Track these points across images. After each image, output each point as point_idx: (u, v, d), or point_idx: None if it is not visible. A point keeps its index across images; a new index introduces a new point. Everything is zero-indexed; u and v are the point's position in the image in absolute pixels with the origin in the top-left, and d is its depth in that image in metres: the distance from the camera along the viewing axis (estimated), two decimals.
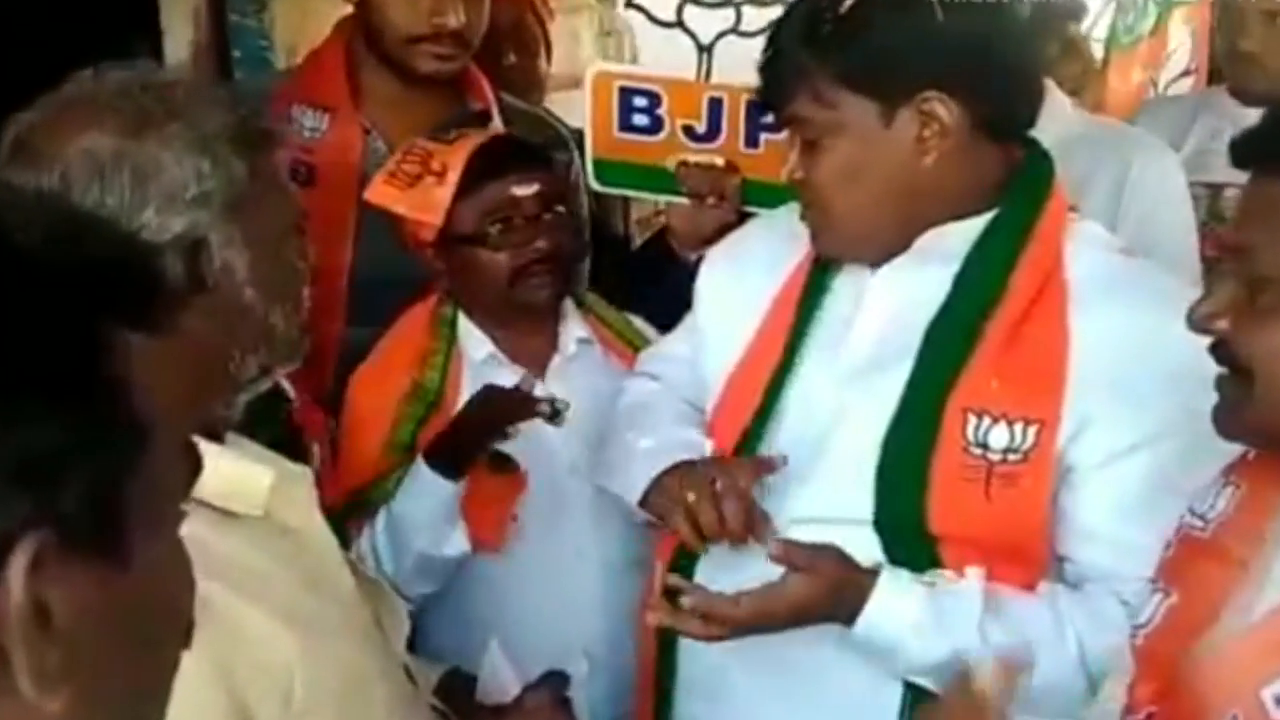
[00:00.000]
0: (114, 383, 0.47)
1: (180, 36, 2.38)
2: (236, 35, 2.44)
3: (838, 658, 1.22)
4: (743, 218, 1.62)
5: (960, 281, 1.21)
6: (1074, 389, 1.16)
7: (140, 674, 0.51)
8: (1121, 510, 1.17)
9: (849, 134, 1.16)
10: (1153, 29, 2.88)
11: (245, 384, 0.95)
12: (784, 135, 1.56)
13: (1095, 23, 2.78)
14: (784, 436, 1.27)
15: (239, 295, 0.91)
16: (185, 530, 0.86)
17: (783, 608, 1.15)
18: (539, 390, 1.47)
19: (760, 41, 1.59)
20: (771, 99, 1.20)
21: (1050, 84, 1.65)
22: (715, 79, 1.67)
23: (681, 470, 1.26)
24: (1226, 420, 0.92)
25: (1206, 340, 0.91)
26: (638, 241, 2.13)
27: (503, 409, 1.44)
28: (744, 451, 1.29)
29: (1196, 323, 0.92)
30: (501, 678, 1.17)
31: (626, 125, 1.71)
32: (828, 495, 1.23)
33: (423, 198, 1.49)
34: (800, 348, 1.28)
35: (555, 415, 1.42)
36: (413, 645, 1.53)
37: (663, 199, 1.75)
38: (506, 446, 1.48)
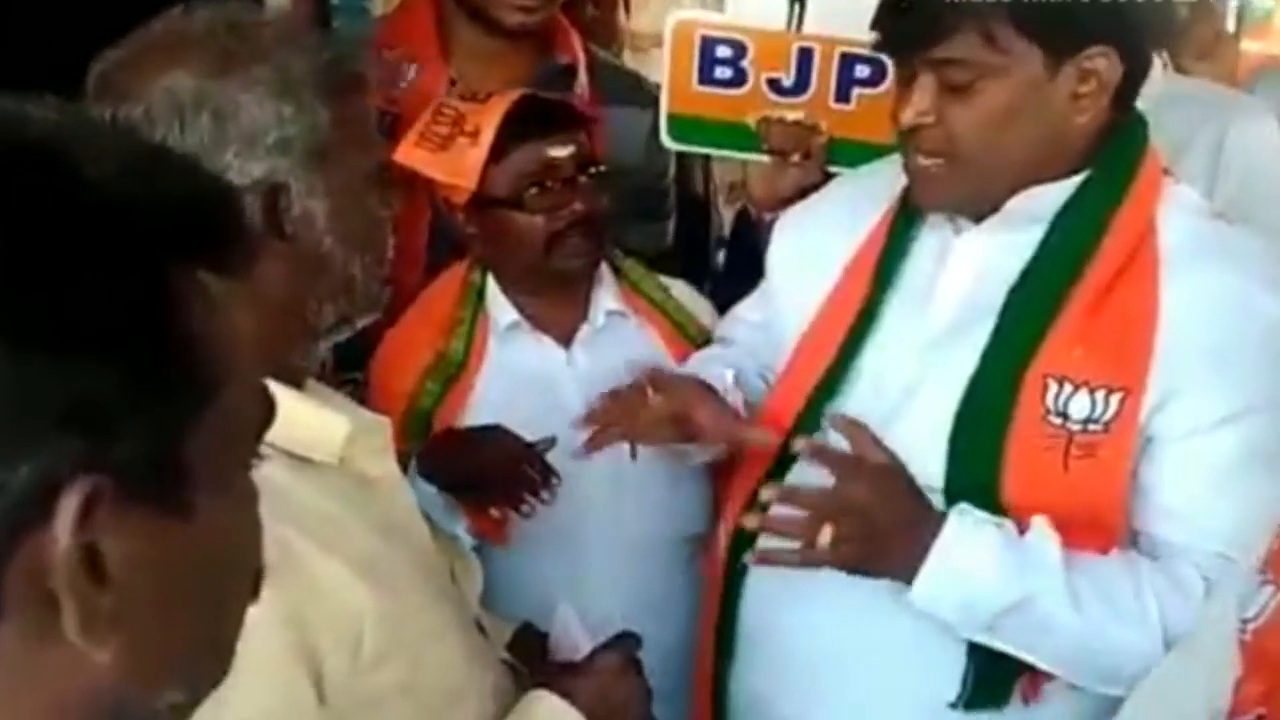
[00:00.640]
0: (182, 329, 0.46)
1: None
2: None
3: (898, 624, 1.19)
4: (828, 179, 1.56)
5: (1047, 245, 1.18)
6: (1161, 358, 1.12)
7: (201, 627, 0.50)
8: (1204, 485, 1.14)
9: (1009, 81, 1.10)
10: None
11: (324, 332, 0.95)
12: (885, 87, 1.53)
13: None
14: (855, 400, 1.24)
15: (318, 244, 0.90)
16: (261, 475, 0.87)
17: (862, 492, 1.13)
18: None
19: None
20: (920, 35, 1.12)
21: None
22: (808, 30, 1.60)
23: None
24: None
25: None
26: (721, 207, 2.09)
27: (503, 468, 1.38)
28: (809, 414, 1.26)
29: None
30: (573, 636, 1.16)
31: (707, 78, 1.65)
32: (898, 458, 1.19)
33: (455, 160, 1.45)
34: (879, 310, 1.25)
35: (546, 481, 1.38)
36: None
37: (741, 157, 1.70)
38: (527, 421, 1.43)
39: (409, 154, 1.46)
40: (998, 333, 1.17)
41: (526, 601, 1.35)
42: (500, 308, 1.53)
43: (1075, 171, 1.17)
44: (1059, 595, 1.13)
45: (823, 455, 1.15)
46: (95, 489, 0.42)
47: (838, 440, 1.20)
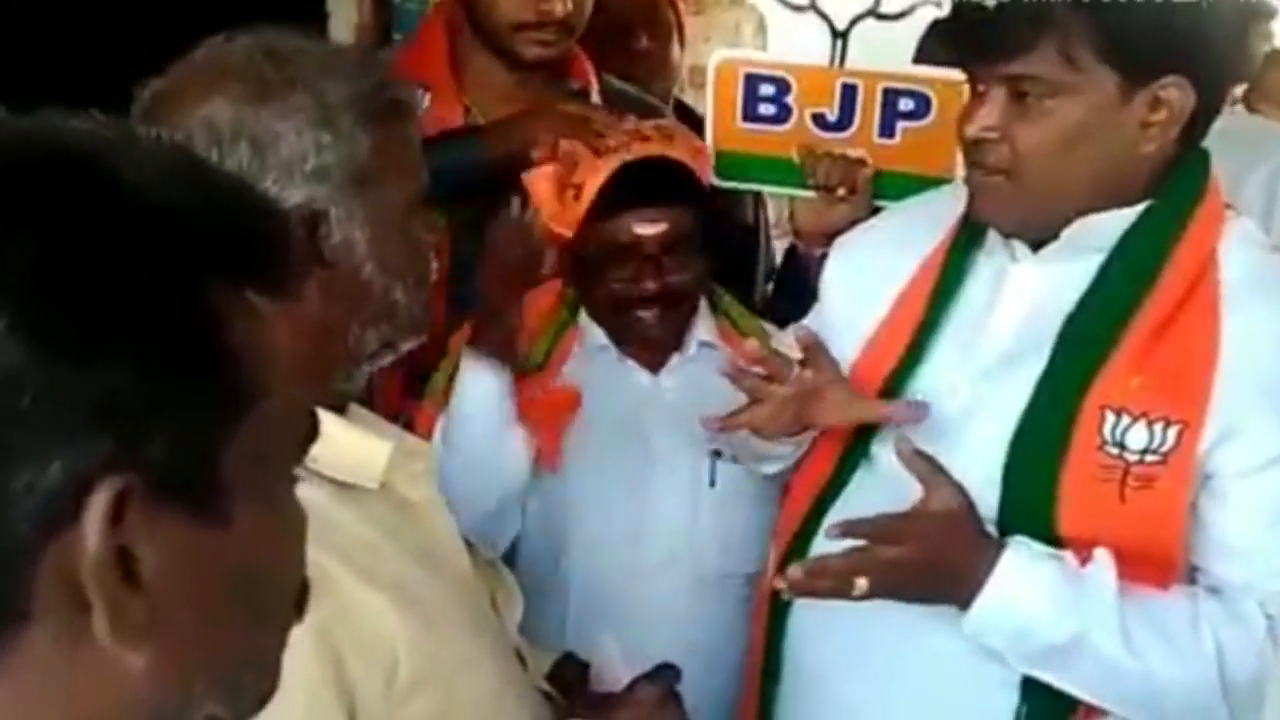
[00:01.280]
0: (220, 339, 0.46)
1: (344, 18, 2.44)
2: (398, 17, 2.48)
3: (949, 657, 1.17)
4: (874, 213, 1.56)
5: (1106, 274, 1.16)
6: (1221, 392, 1.10)
7: (240, 640, 0.49)
8: (1264, 523, 1.11)
9: (1082, 101, 1.09)
10: None
11: (366, 357, 0.95)
12: (929, 120, 1.54)
13: None
14: (908, 429, 1.22)
15: (358, 270, 0.90)
16: (304, 498, 0.87)
17: (914, 530, 1.11)
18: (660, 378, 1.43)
19: (902, 26, 1.57)
20: (998, 48, 1.10)
21: None
22: (850, 65, 1.61)
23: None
24: None
25: None
26: (774, 238, 2.09)
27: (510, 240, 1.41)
28: (860, 443, 1.25)
29: None
30: (614, 667, 1.14)
31: (752, 115, 1.66)
32: None
33: (561, 210, 1.48)
34: (932, 337, 1.24)
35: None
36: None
37: (787, 193, 1.70)
38: (606, 443, 1.45)
39: (537, 187, 1.50)
40: (1054, 362, 1.15)
41: (589, 628, 1.38)
42: (593, 329, 1.56)
43: (1135, 201, 1.15)
44: (1112, 632, 1.10)
45: (913, 463, 1.14)
46: (125, 488, 0.43)
47: (890, 465, 1.18)
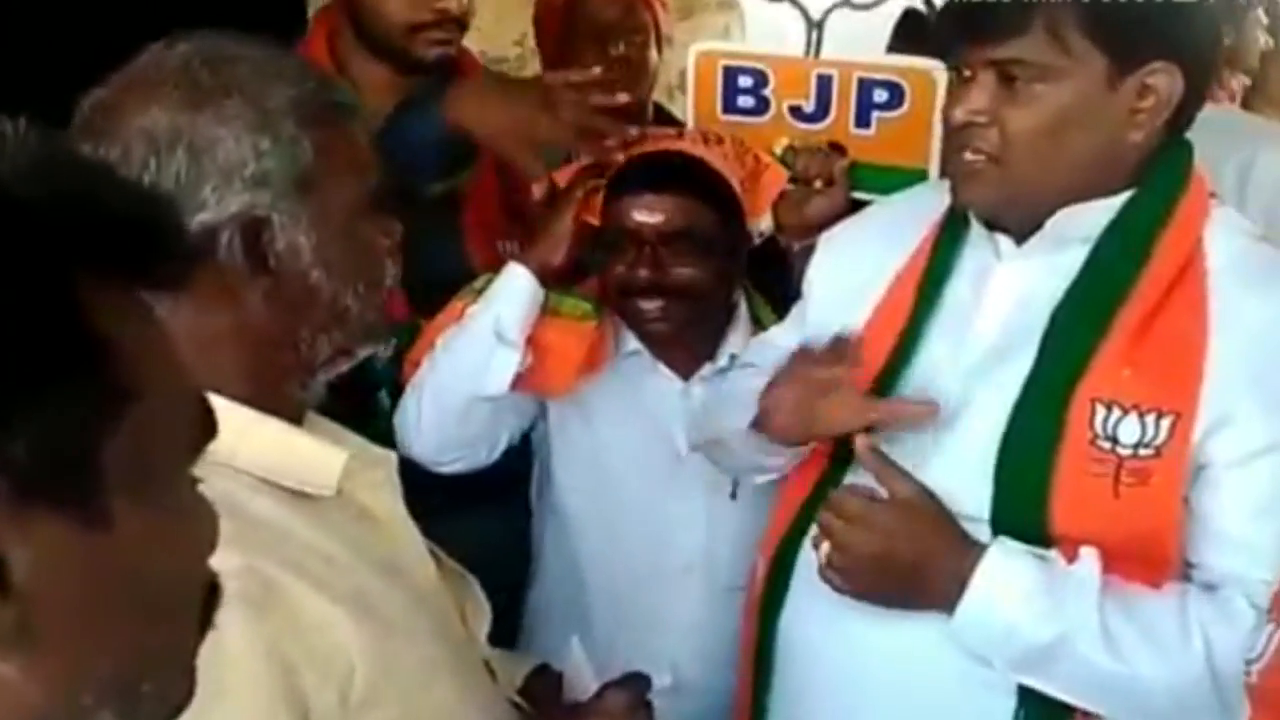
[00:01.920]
0: (90, 331, 0.44)
1: None
2: None
3: (944, 661, 1.15)
4: (852, 204, 1.54)
5: (1092, 265, 1.14)
6: (1213, 381, 1.09)
7: (132, 647, 0.47)
8: (1258, 512, 1.10)
9: (1070, 85, 1.08)
10: None
11: (320, 365, 0.93)
12: (903, 111, 1.52)
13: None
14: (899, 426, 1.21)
15: (305, 276, 0.88)
16: (251, 509, 0.86)
17: (871, 520, 1.13)
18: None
19: (876, 15, 1.55)
20: (988, 32, 1.10)
21: None
22: (825, 56, 1.59)
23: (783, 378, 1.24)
24: None
25: None
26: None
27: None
28: (850, 443, 1.23)
29: None
30: (582, 675, 1.13)
31: (731, 107, 1.64)
32: (942, 490, 1.16)
33: (594, 202, 1.50)
34: (920, 334, 1.22)
35: None
36: (513, 640, 1.52)
37: None
38: (632, 446, 1.46)
39: (565, 176, 1.53)
40: (1042, 355, 1.14)
41: (601, 625, 1.45)
42: (626, 334, 1.57)
43: (1119, 191, 1.14)
44: (1094, 634, 1.09)
45: (868, 459, 1.16)
46: None
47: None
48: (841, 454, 1.25)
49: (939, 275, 1.23)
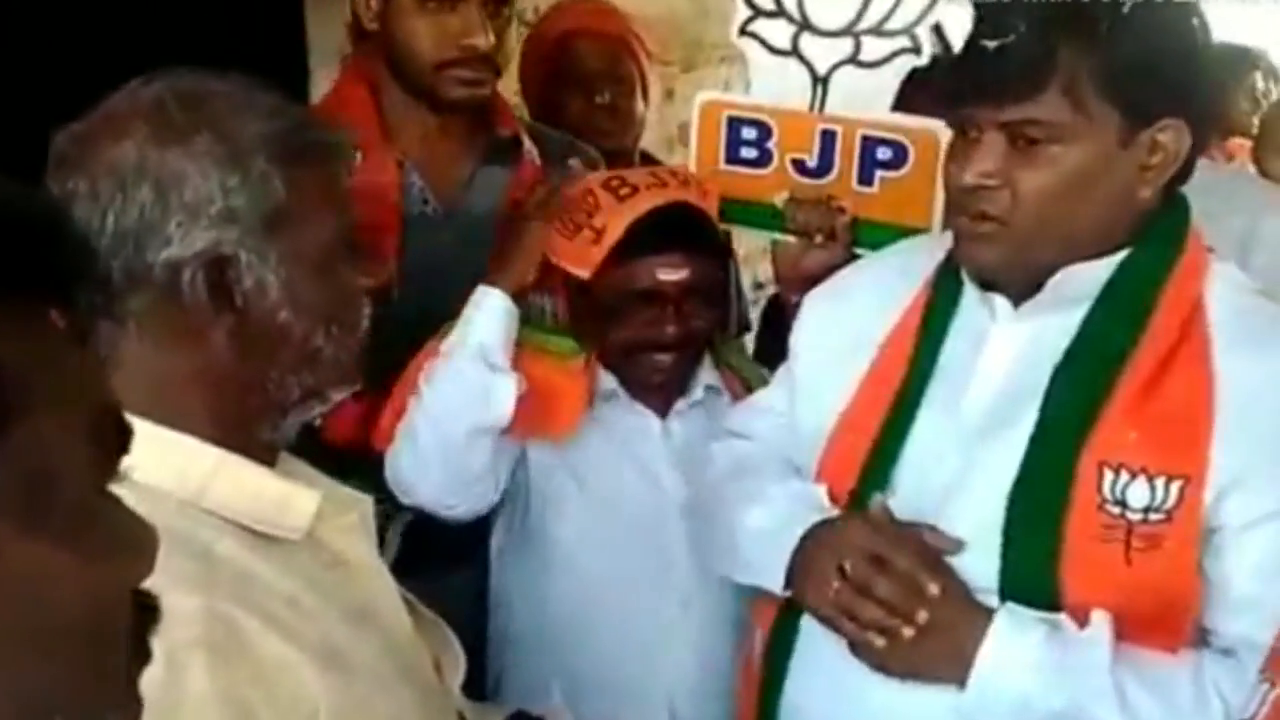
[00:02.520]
0: None
1: (326, 77, 2.44)
2: None
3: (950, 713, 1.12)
4: (853, 260, 1.53)
5: (1091, 324, 1.12)
6: (1221, 442, 1.06)
7: (36, 681, 0.46)
8: (1272, 574, 1.07)
9: (1085, 145, 1.06)
10: None
11: (291, 406, 0.91)
12: (906, 170, 1.51)
13: None
14: (900, 495, 1.19)
15: (273, 315, 0.87)
16: (216, 553, 0.84)
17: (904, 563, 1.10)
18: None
19: (882, 74, 1.54)
20: (1004, 91, 1.07)
21: None
22: (829, 112, 1.59)
23: (824, 543, 1.17)
24: None
25: None
26: (744, 278, 2.07)
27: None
28: (858, 504, 1.20)
29: None
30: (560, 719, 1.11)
31: (733, 158, 1.64)
32: (950, 561, 1.13)
33: (578, 251, 1.48)
34: (917, 398, 1.19)
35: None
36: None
37: (767, 236, 1.67)
38: (620, 487, 1.45)
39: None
40: (1044, 418, 1.11)
41: (597, 664, 1.45)
42: (601, 373, 1.55)
43: (1115, 250, 1.12)
44: (1109, 699, 1.06)
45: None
46: None
47: None
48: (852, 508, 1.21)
49: (935, 337, 1.20)
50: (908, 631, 1.11)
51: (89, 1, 2.03)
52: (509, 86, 1.93)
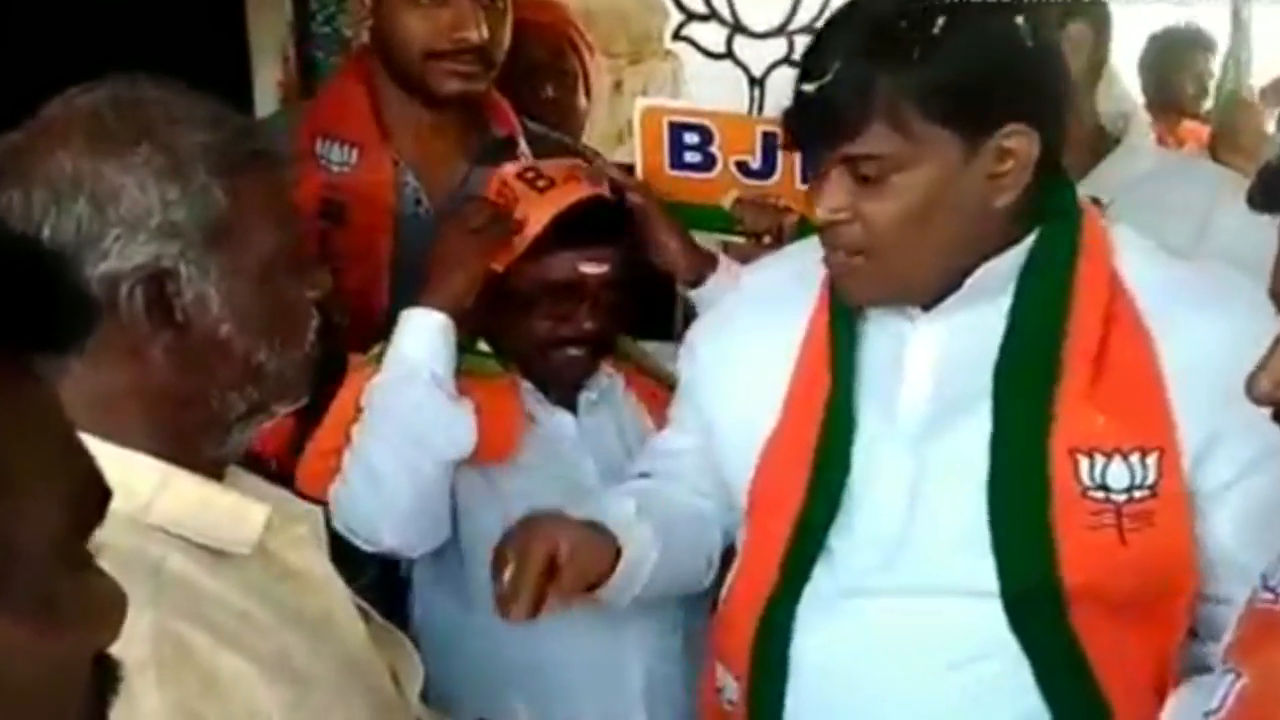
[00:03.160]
0: None
1: (268, 76, 2.43)
2: (323, 74, 2.47)
3: None
4: None
5: (1018, 315, 1.13)
6: (1183, 409, 1.07)
7: None
8: (1257, 529, 1.08)
9: (925, 169, 1.05)
10: None
11: (234, 422, 0.91)
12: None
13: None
14: (860, 506, 1.16)
15: (214, 330, 0.86)
16: (163, 568, 0.84)
17: None
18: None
19: None
20: (830, 132, 1.07)
21: (1136, 119, 1.58)
22: (768, 113, 1.61)
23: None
24: None
25: None
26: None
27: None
28: (806, 537, 1.17)
29: (1261, 391, 0.83)
30: None
31: (678, 163, 1.66)
32: (942, 568, 1.13)
33: (502, 237, 1.46)
34: (848, 409, 1.17)
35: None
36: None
37: (717, 238, 1.69)
38: (533, 474, 1.43)
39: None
40: (1001, 414, 1.11)
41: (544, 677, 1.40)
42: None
43: (1018, 239, 1.12)
44: None
45: None
46: None
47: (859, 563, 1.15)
48: (804, 537, 1.17)
49: (848, 343, 1.18)
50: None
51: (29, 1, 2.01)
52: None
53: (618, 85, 2.70)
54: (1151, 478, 1.07)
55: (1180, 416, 1.08)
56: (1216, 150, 2.57)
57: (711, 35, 1.60)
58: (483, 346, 1.52)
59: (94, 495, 0.49)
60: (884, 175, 1.06)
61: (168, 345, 0.84)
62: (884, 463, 1.15)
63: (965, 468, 1.11)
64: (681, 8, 1.61)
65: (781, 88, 1.57)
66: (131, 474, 0.84)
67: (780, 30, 1.57)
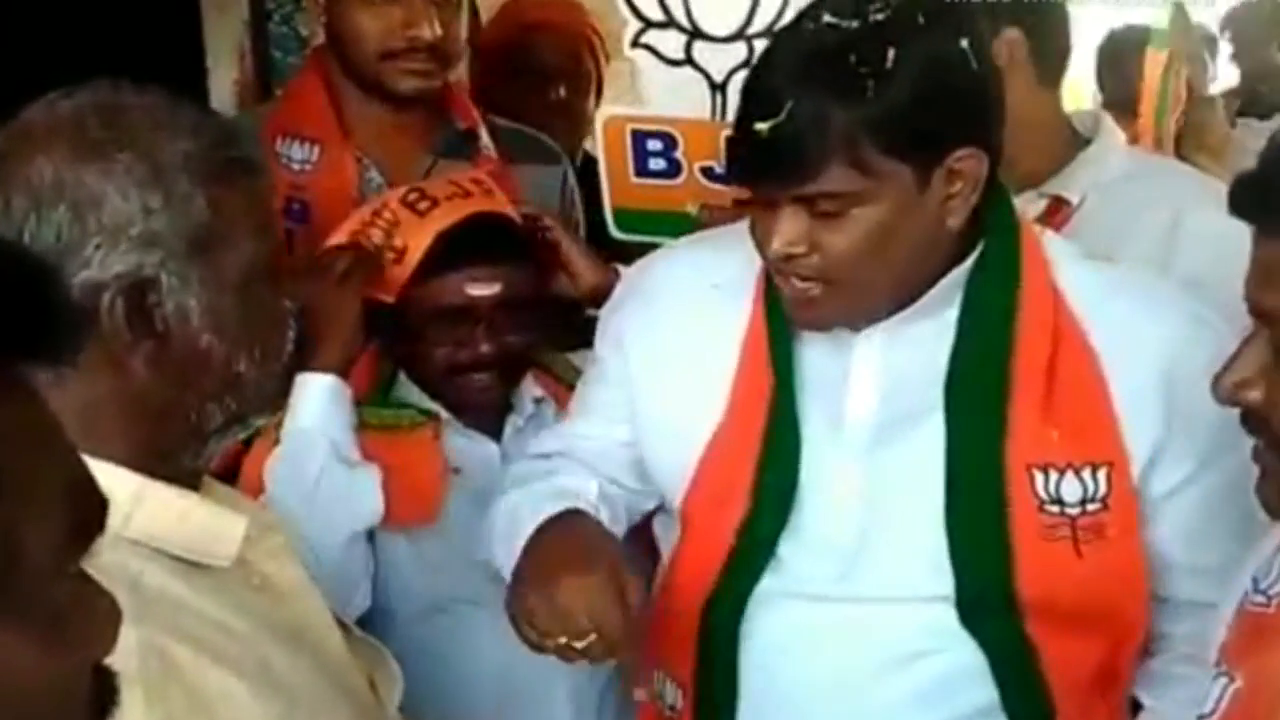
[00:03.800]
0: None
1: (224, 76, 2.41)
2: (281, 73, 2.46)
3: None
4: None
5: (968, 326, 1.13)
6: (1129, 421, 1.10)
7: None
8: (1204, 534, 1.12)
9: (883, 202, 1.04)
10: None
11: (212, 433, 0.90)
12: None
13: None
14: (808, 514, 1.16)
15: (195, 340, 0.85)
16: (144, 583, 0.83)
17: None
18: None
19: None
20: (789, 174, 1.04)
21: (1106, 119, 1.58)
22: (730, 118, 1.62)
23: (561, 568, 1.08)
24: (1272, 498, 0.86)
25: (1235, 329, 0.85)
26: None
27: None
28: (758, 537, 1.16)
29: (1225, 391, 0.86)
30: None
31: (643, 170, 1.67)
32: (900, 575, 1.14)
33: (375, 274, 1.40)
34: (790, 411, 1.15)
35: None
36: None
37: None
38: (455, 506, 1.38)
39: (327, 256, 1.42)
40: (955, 428, 1.12)
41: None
42: (423, 402, 1.47)
43: (966, 254, 1.13)
44: None
45: None
46: None
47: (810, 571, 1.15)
48: (749, 545, 1.15)
49: (786, 342, 1.16)
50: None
51: None
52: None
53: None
54: (1103, 490, 1.10)
55: (1127, 429, 1.10)
56: (1183, 149, 2.62)
57: (670, 42, 1.61)
58: (404, 388, 1.47)
59: (93, 505, 0.49)
60: (842, 210, 1.05)
61: (148, 356, 0.84)
62: (832, 472, 1.15)
63: (918, 480, 1.12)
64: (639, 15, 1.61)
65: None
66: (109, 486, 0.84)
67: (739, 34, 1.58)
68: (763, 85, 1.06)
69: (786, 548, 1.16)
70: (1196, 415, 1.07)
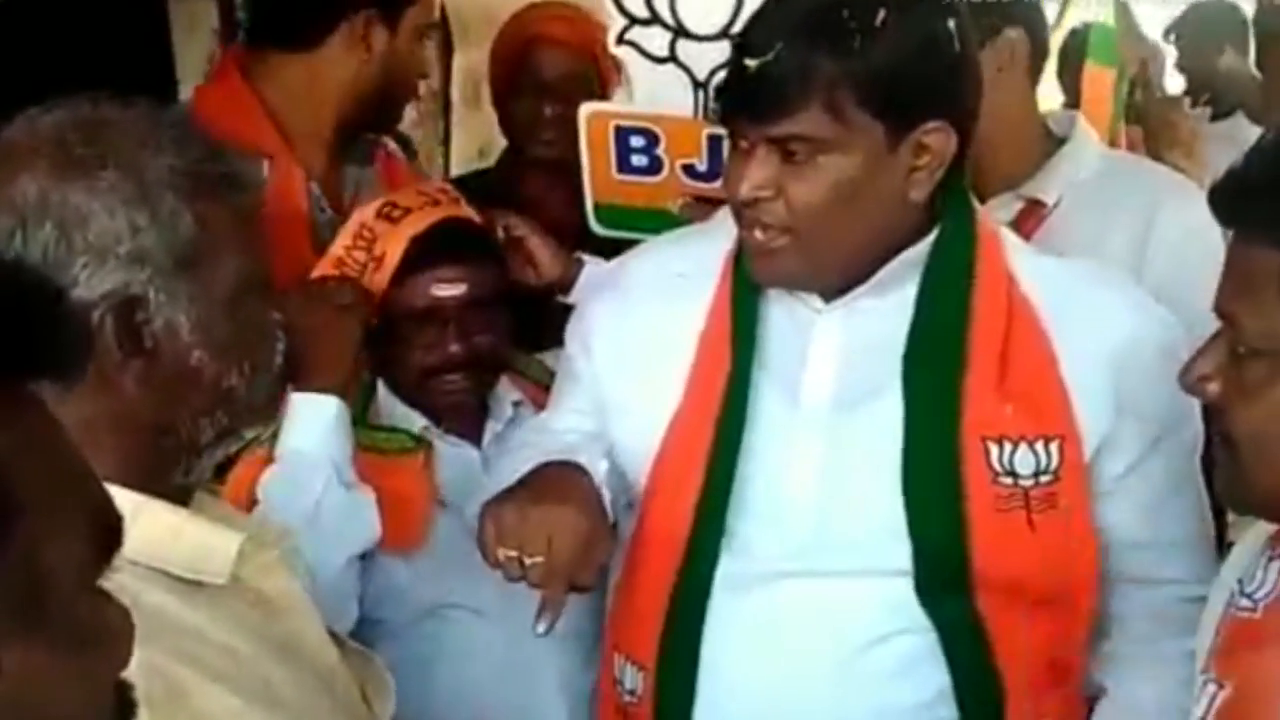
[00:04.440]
0: None
1: (192, 89, 2.38)
2: None
3: None
4: None
5: (925, 304, 1.16)
6: (1082, 405, 1.14)
7: None
8: (1156, 510, 1.17)
9: (852, 155, 1.08)
10: None
11: (204, 448, 0.89)
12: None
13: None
14: (764, 490, 1.17)
15: (185, 356, 0.84)
16: (141, 601, 0.82)
17: None
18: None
19: None
20: (766, 111, 1.08)
21: (1080, 119, 1.60)
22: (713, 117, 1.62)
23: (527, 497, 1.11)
24: (1227, 490, 0.90)
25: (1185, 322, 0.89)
26: None
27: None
28: (709, 526, 1.17)
29: (1188, 383, 0.90)
30: None
31: (625, 166, 1.66)
32: (860, 549, 1.15)
33: (367, 286, 1.42)
34: (746, 394, 1.17)
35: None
36: None
37: None
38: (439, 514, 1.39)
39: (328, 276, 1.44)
40: (912, 402, 1.14)
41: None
42: (400, 413, 1.48)
43: (924, 233, 1.16)
44: None
45: None
46: None
47: (752, 552, 1.15)
48: (705, 523, 1.16)
49: (750, 331, 1.19)
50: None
51: None
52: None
53: None
54: (1055, 463, 1.13)
55: (1079, 408, 1.13)
56: (1154, 147, 2.64)
57: (655, 39, 1.61)
58: (386, 401, 1.48)
59: (111, 520, 0.49)
60: (811, 156, 1.08)
61: (138, 373, 0.83)
62: (789, 448, 1.17)
63: (875, 454, 1.14)
64: (624, 12, 1.61)
65: None
66: None
67: (723, 33, 1.58)
68: (758, 27, 1.12)
69: (742, 524, 1.17)
70: (1145, 401, 1.13)
